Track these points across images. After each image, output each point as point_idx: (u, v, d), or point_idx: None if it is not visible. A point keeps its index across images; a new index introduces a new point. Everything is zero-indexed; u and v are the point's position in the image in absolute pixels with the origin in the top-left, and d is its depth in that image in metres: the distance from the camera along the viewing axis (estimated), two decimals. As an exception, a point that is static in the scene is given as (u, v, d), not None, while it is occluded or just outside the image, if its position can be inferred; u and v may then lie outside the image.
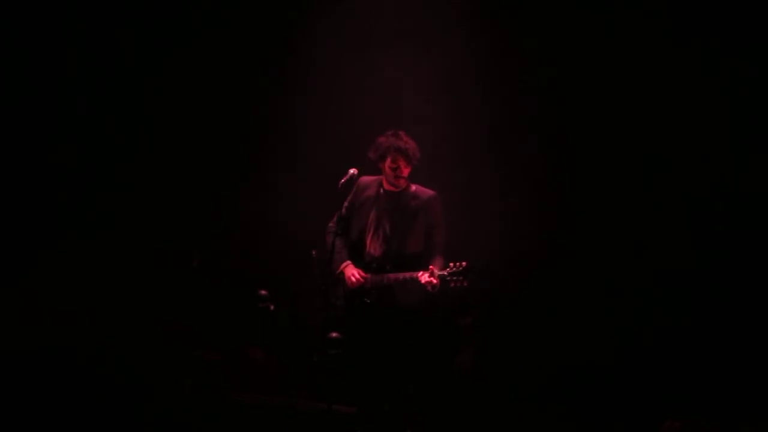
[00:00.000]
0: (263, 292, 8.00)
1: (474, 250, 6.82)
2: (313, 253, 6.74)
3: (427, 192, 6.58)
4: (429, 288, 6.28)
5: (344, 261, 6.56)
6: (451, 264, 6.30)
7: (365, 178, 6.63)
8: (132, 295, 7.82)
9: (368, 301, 6.48)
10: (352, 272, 6.49)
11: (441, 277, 6.27)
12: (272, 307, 7.97)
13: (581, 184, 7.55)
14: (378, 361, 6.46)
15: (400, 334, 6.47)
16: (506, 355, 7.47)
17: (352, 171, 6.50)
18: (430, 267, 6.30)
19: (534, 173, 7.63)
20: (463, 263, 6.27)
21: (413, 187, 6.58)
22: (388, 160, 6.48)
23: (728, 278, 7.14)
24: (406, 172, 6.49)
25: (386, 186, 6.55)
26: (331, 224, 6.68)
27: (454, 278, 6.26)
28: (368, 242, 6.56)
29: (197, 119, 8.19)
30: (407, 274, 6.37)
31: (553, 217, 7.55)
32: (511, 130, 7.75)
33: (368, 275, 6.50)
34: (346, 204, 6.65)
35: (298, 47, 8.09)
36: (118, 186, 8.17)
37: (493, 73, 7.70)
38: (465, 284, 6.27)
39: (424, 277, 6.27)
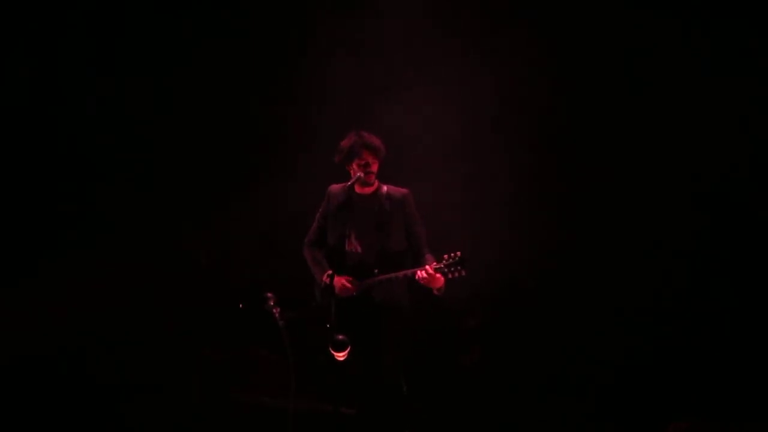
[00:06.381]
0: (269, 294, 8.01)
1: (478, 253, 6.82)
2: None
3: (400, 190, 6.53)
4: (435, 292, 6.20)
5: (326, 270, 6.47)
6: (445, 256, 6.14)
7: (335, 186, 6.58)
8: (138, 295, 7.84)
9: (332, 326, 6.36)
10: (340, 281, 6.37)
11: (438, 271, 6.15)
12: (277, 310, 7.98)
13: (586, 186, 7.56)
14: (369, 363, 6.38)
15: (388, 333, 6.38)
16: (512, 356, 7.49)
17: (359, 174, 6.47)
18: (426, 267, 6.16)
19: (536, 178, 7.64)
20: (458, 253, 6.12)
21: (385, 188, 6.54)
22: (357, 159, 6.44)
23: (732, 279, 7.16)
24: (375, 167, 6.43)
25: (357, 189, 6.49)
26: (307, 239, 6.65)
27: (452, 269, 6.12)
28: (347, 247, 6.48)
29: (206, 121, 8.21)
30: (400, 273, 6.26)
31: (558, 218, 7.56)
32: (515, 131, 7.76)
33: (355, 281, 6.38)
34: (319, 215, 6.62)
35: (308, 51, 8.12)
36: (124, 186, 8.19)
37: (497, 74, 7.72)
38: (463, 273, 6.12)
39: (422, 273, 6.16)
